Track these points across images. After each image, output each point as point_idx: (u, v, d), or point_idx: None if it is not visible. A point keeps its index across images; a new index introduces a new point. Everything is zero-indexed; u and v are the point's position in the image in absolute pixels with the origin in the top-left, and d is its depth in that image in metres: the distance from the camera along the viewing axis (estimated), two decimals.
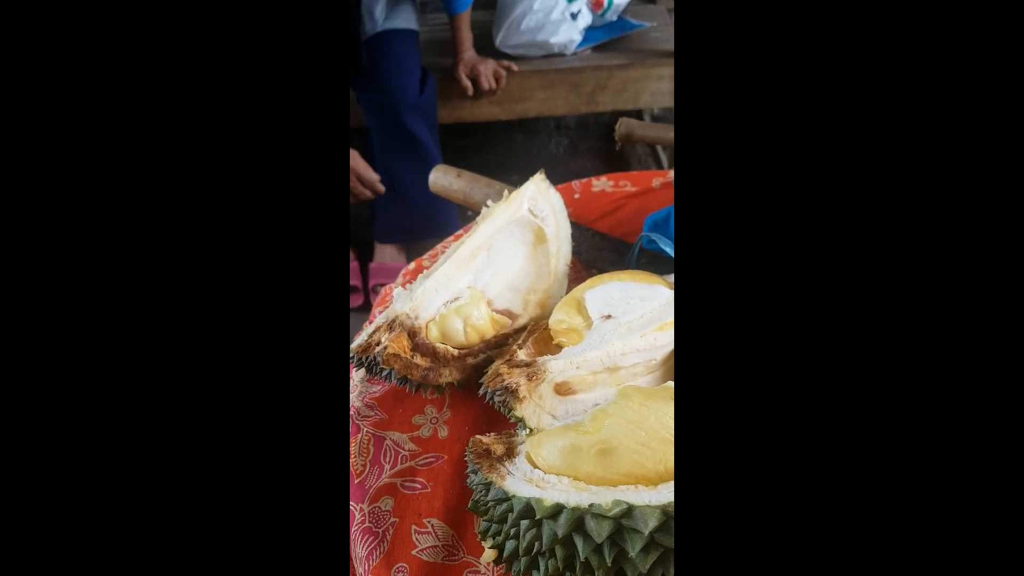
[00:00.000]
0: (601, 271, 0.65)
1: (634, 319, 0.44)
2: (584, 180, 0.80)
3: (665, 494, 0.29)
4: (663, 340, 0.43)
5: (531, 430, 0.38)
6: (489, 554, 0.34)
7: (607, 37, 1.58)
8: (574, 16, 1.50)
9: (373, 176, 1.24)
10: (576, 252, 0.66)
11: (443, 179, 0.74)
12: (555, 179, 0.81)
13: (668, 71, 1.48)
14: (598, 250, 0.67)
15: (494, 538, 0.34)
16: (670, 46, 1.53)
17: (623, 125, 0.74)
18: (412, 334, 0.45)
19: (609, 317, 0.45)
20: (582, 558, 0.29)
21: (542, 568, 0.31)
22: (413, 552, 0.41)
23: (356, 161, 1.24)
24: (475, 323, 0.48)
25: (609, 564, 0.29)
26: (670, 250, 0.48)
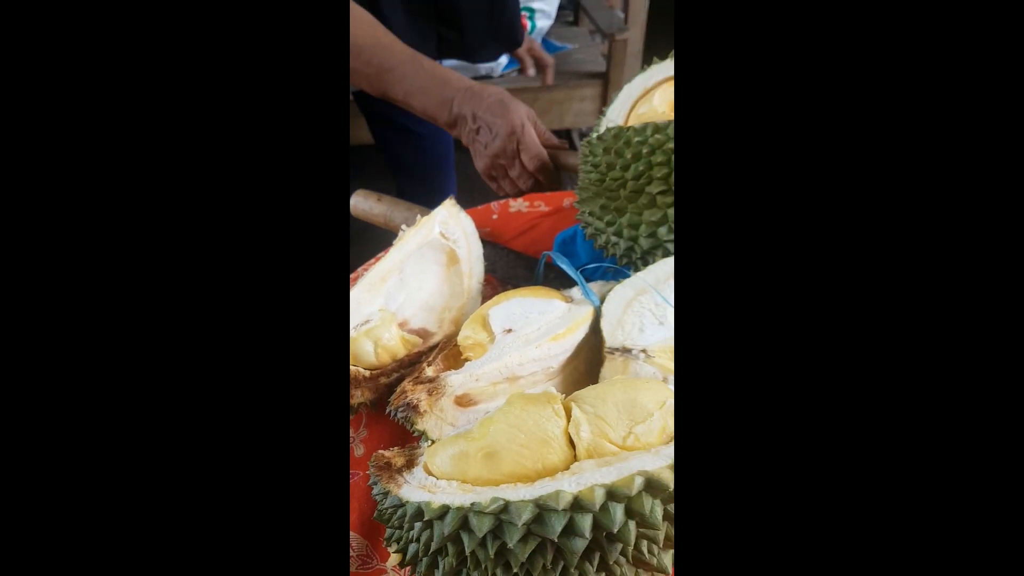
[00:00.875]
0: (516, 287, 0.69)
1: (531, 332, 0.48)
2: (502, 201, 0.84)
3: (539, 489, 0.32)
4: (557, 349, 0.47)
5: (432, 441, 0.41)
6: (394, 558, 0.37)
7: None
8: None
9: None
10: (491, 270, 0.70)
11: (363, 203, 0.76)
12: (489, 197, 0.85)
13: (591, 91, 1.56)
14: (512, 267, 0.71)
15: (398, 543, 0.36)
16: (592, 67, 1.61)
17: None
18: None
19: (510, 331, 0.49)
20: (468, 552, 0.32)
21: (441, 565, 0.34)
22: None
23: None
24: (386, 344, 0.51)
25: (492, 556, 0.32)
26: (564, 266, 0.53)
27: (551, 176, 0.76)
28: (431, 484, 0.35)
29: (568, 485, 0.32)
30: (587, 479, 0.32)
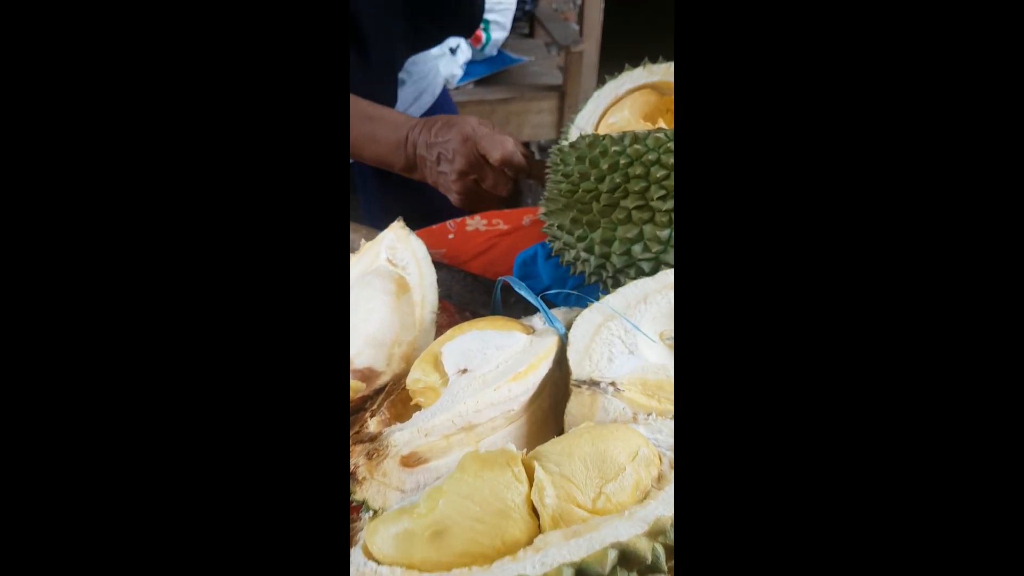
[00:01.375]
0: (475, 313, 0.64)
1: (489, 371, 0.43)
2: (459, 219, 0.79)
3: (497, 574, 0.27)
4: (518, 390, 0.42)
5: (374, 512, 0.35)
6: None
7: (489, 71, 1.62)
8: (453, 51, 1.52)
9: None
10: (447, 295, 0.65)
11: None
12: (447, 215, 0.79)
13: (547, 104, 1.54)
14: (470, 292, 0.66)
15: None
16: (549, 80, 1.59)
17: None
18: None
19: (465, 371, 0.44)
20: None
21: None
22: None
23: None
24: None
25: None
26: (524, 292, 0.48)
27: (522, 167, 0.70)
28: (370, 572, 0.29)
29: (531, 567, 0.27)
30: (553, 557, 0.27)
